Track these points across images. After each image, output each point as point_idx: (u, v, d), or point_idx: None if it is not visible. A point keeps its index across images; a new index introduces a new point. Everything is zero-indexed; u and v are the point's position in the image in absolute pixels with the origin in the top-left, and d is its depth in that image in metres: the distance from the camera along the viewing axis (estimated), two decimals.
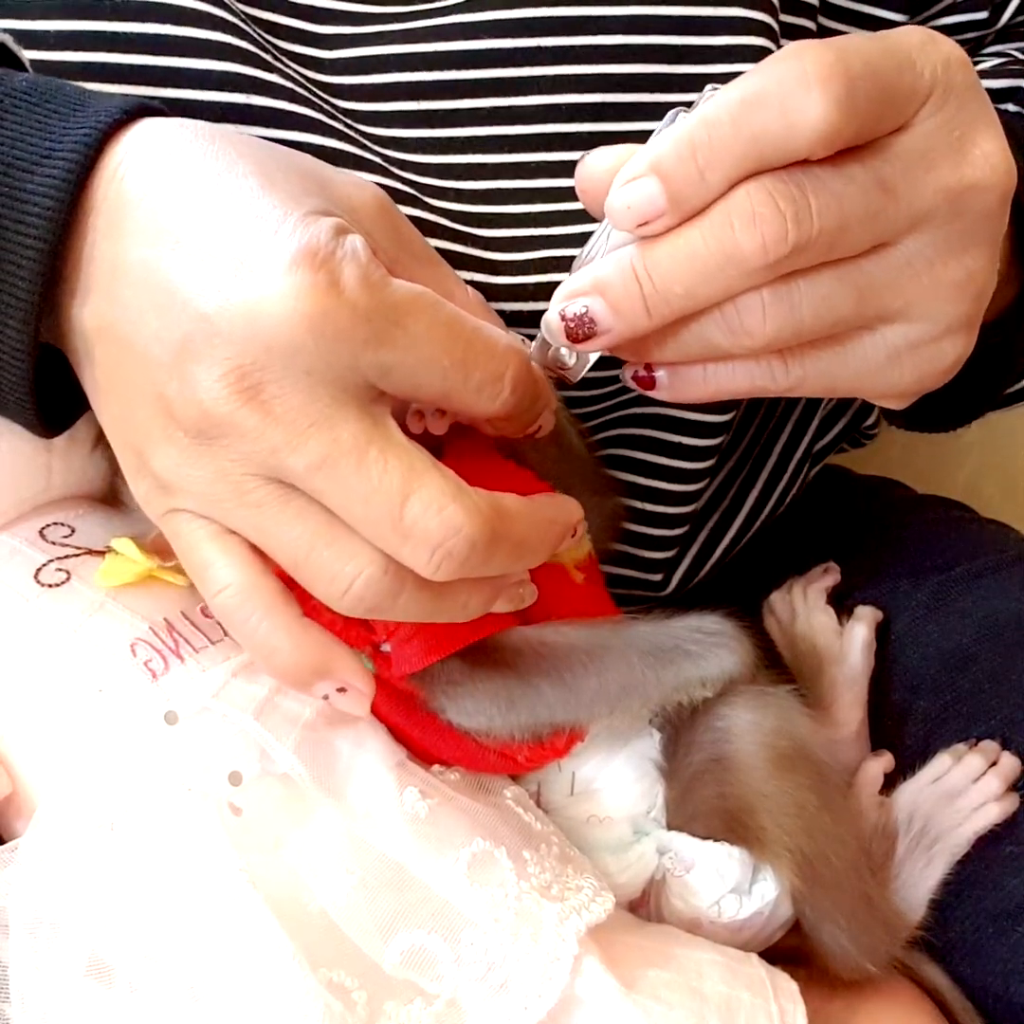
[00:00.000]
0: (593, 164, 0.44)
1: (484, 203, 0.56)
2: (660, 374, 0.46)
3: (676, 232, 0.42)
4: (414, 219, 0.54)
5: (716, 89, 0.42)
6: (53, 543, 0.51)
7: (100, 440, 0.53)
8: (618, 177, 0.42)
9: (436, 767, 0.51)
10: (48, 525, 0.52)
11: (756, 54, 0.58)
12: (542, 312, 0.53)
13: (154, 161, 0.43)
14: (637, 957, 0.49)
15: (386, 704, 0.51)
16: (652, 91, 0.57)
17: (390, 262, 0.42)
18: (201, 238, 0.40)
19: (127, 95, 0.45)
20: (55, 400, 0.47)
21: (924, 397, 0.49)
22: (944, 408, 0.63)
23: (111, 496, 0.54)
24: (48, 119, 0.44)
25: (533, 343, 0.46)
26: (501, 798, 0.52)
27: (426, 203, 0.56)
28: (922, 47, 0.42)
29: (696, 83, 0.56)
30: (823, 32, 0.64)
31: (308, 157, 0.46)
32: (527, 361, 0.43)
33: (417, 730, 0.51)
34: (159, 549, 0.49)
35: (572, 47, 0.56)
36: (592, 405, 0.63)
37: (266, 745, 0.47)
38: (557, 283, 0.53)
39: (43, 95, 0.45)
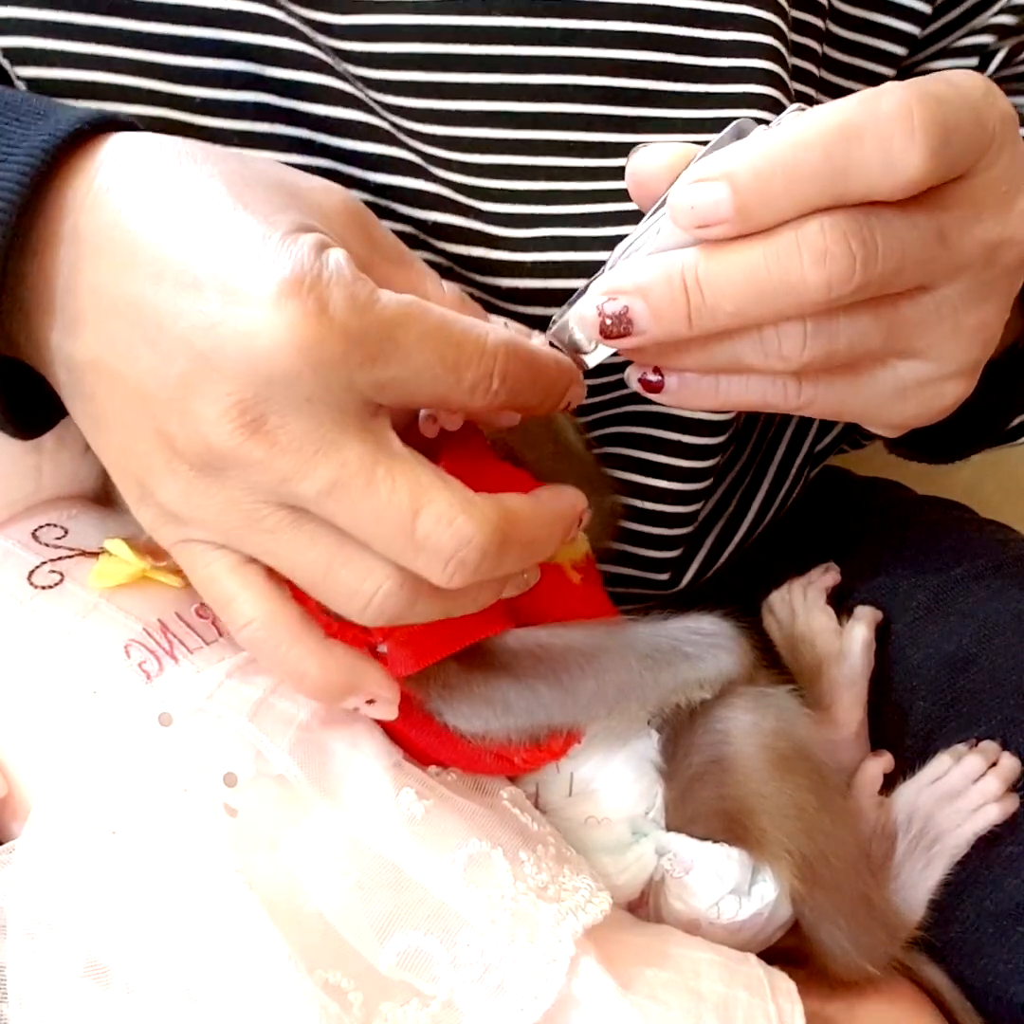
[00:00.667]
0: (648, 159, 0.44)
1: (489, 177, 0.57)
2: (671, 380, 0.46)
3: (735, 248, 0.42)
4: (419, 191, 0.56)
5: (802, 108, 0.42)
6: (46, 545, 0.51)
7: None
8: (687, 174, 0.42)
9: (433, 768, 0.51)
10: (41, 527, 0.52)
11: (762, 51, 0.59)
12: (540, 290, 0.54)
13: (128, 183, 0.42)
14: (634, 957, 0.49)
15: None
16: (658, 79, 0.58)
17: (363, 266, 0.42)
18: (183, 269, 0.40)
19: (93, 108, 0.45)
20: (30, 403, 0.47)
21: (923, 430, 0.50)
22: (941, 442, 0.64)
23: (104, 496, 0.54)
24: (7, 126, 0.43)
25: (554, 321, 0.46)
26: (498, 799, 0.52)
27: (432, 174, 0.56)
28: (986, 99, 0.43)
29: (701, 74, 0.59)
30: (828, 34, 0.65)
31: (277, 166, 0.45)
32: (518, 351, 0.43)
33: (414, 731, 0.51)
34: (152, 550, 0.49)
35: (583, 30, 0.57)
36: (593, 402, 0.63)
37: (261, 746, 0.47)
38: (556, 261, 0.55)
39: (6, 103, 0.45)
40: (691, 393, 0.46)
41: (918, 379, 0.46)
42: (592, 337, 0.44)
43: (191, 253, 0.40)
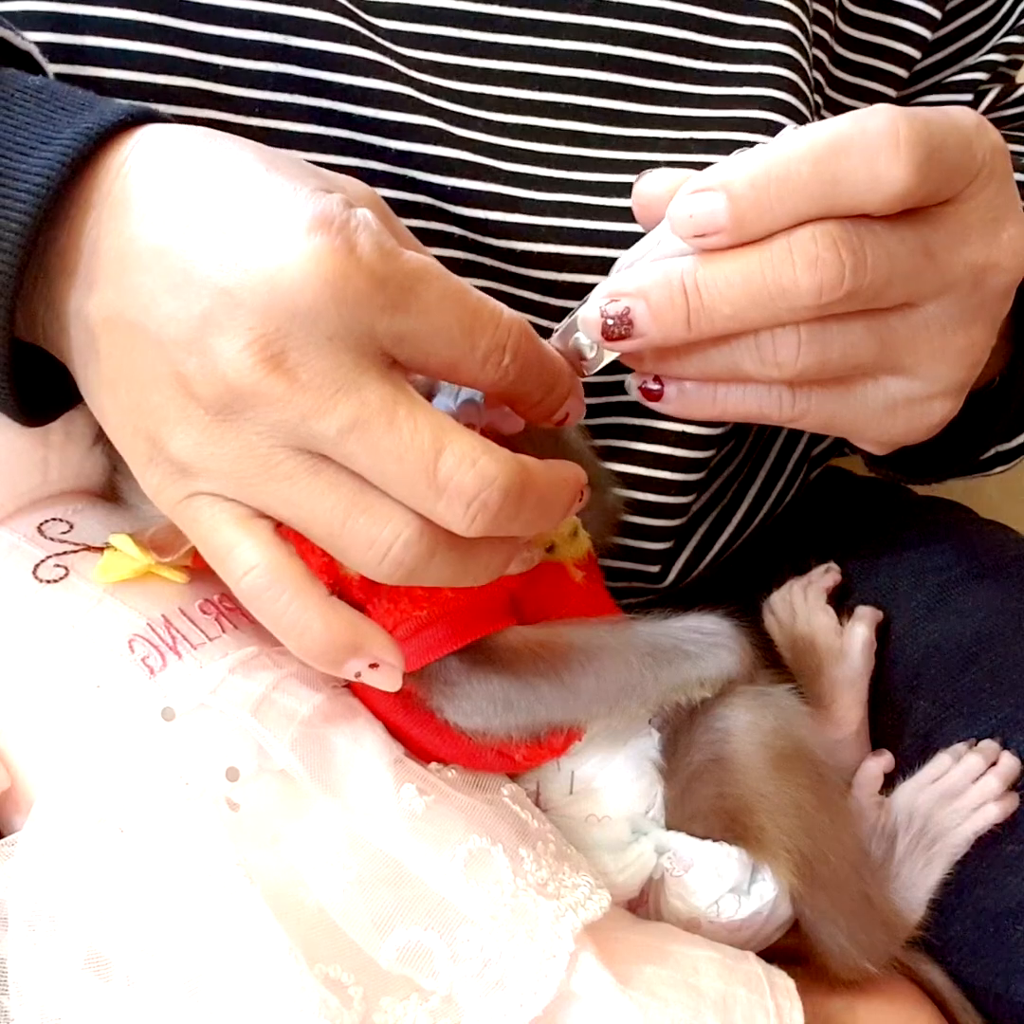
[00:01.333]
0: (651, 184, 0.46)
1: (511, 137, 0.59)
2: (670, 388, 0.47)
3: (733, 254, 0.43)
4: (438, 157, 0.57)
5: (795, 130, 0.43)
6: (51, 539, 0.51)
7: (100, 437, 0.53)
8: (687, 185, 0.43)
9: (433, 764, 0.52)
10: (46, 521, 0.52)
11: (782, 36, 0.62)
12: (554, 255, 0.55)
13: (160, 156, 0.43)
14: (633, 954, 0.49)
15: (384, 701, 0.51)
16: (680, 55, 0.61)
17: None
18: (213, 218, 0.41)
19: (137, 103, 0.46)
20: (41, 393, 0.47)
21: (902, 452, 0.52)
22: (917, 464, 0.65)
23: (110, 491, 0.55)
24: (54, 114, 0.44)
25: (559, 327, 0.46)
26: (498, 796, 0.52)
27: (453, 137, 0.57)
28: (977, 129, 0.45)
29: (720, 54, 0.61)
30: (846, 11, 0.67)
31: (294, 155, 0.47)
32: (529, 332, 0.43)
33: (415, 728, 0.51)
34: (157, 546, 0.49)
35: (614, 1, 0.60)
36: (590, 395, 0.63)
37: (263, 741, 0.48)
38: (571, 228, 0.56)
39: (54, 93, 0.45)
40: (689, 401, 0.47)
41: (907, 396, 0.47)
42: (595, 339, 0.45)
43: (222, 206, 0.41)
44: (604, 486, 0.60)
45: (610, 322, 0.44)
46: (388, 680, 0.44)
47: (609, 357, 0.46)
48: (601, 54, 0.60)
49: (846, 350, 0.44)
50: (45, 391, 0.48)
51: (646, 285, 0.44)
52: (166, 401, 0.41)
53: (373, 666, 0.44)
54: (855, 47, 0.69)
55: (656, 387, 0.47)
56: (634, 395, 0.48)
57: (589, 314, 0.45)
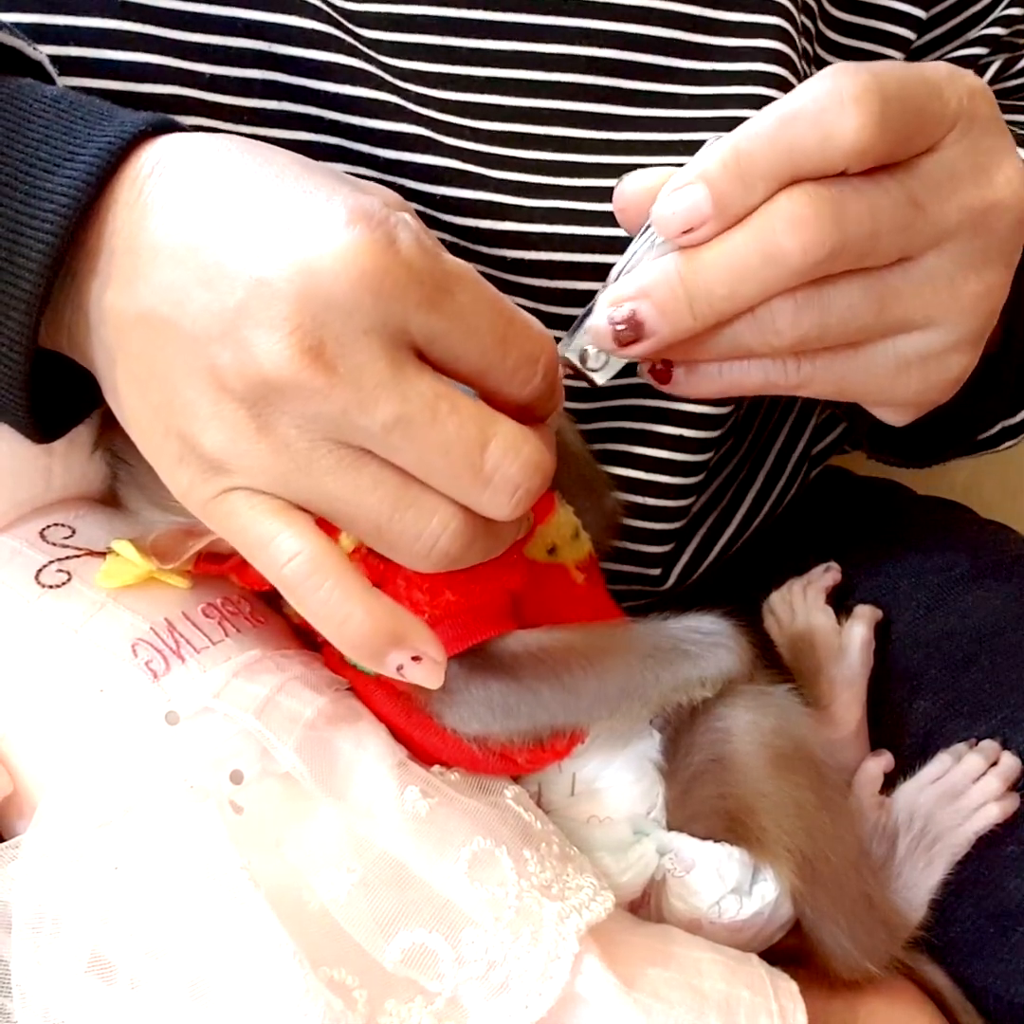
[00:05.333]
0: (631, 184, 0.46)
1: (499, 145, 0.58)
2: (677, 369, 0.47)
3: (720, 237, 0.44)
4: (428, 166, 0.57)
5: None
6: (54, 544, 0.51)
7: (99, 443, 0.53)
8: (666, 187, 0.44)
9: (436, 767, 0.52)
10: (48, 526, 0.52)
11: (773, 32, 0.61)
12: (546, 262, 0.55)
13: (193, 157, 0.43)
14: (637, 956, 0.49)
15: (387, 705, 0.51)
16: (668, 55, 0.60)
17: None
18: (247, 213, 0.41)
19: (155, 113, 0.46)
20: (51, 410, 0.47)
21: (900, 436, 0.52)
22: (917, 447, 0.65)
23: (110, 497, 0.54)
24: (74, 125, 0.44)
25: (565, 341, 0.46)
26: (501, 798, 0.52)
27: (442, 146, 0.57)
28: (949, 78, 0.45)
29: (709, 52, 0.60)
30: (824, 14, 0.66)
31: (337, 170, 0.46)
32: (556, 349, 0.44)
33: (418, 731, 0.51)
34: (158, 552, 0.49)
35: (599, 3, 0.59)
36: (589, 400, 0.63)
37: (267, 744, 0.47)
38: (562, 234, 0.56)
39: (72, 104, 0.45)
40: (698, 380, 0.47)
41: (919, 352, 0.47)
42: (607, 348, 0.45)
43: (256, 200, 0.41)
44: (603, 490, 0.60)
45: (620, 328, 0.44)
46: (430, 675, 0.44)
47: (617, 366, 0.47)
48: (587, 57, 0.59)
49: (844, 312, 0.45)
50: (54, 408, 0.47)
51: (646, 284, 0.44)
52: (199, 396, 0.41)
53: (415, 659, 0.43)
54: (839, 53, 0.68)
55: (664, 368, 0.47)
56: (644, 377, 0.48)
57: (598, 323, 0.45)
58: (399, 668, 0.43)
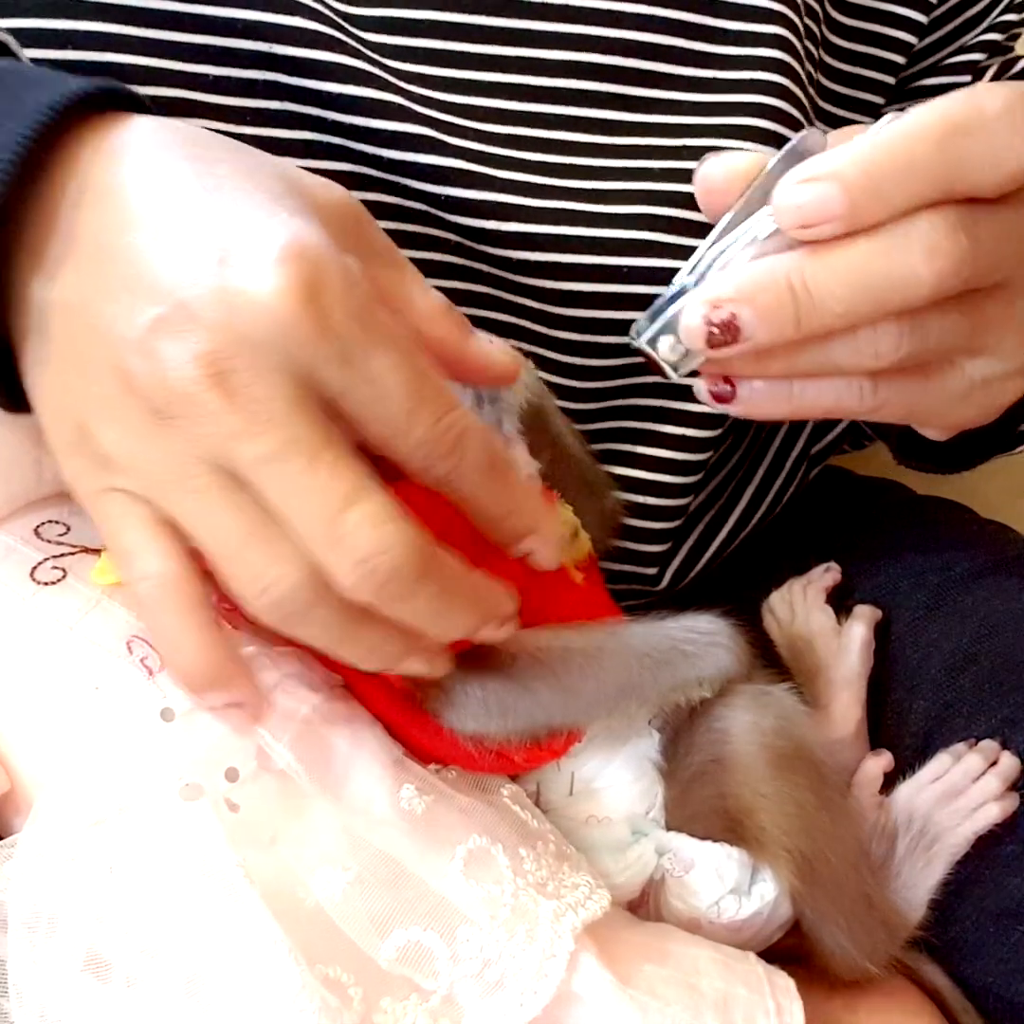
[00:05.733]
0: (716, 168, 0.44)
1: (503, 146, 0.58)
2: (743, 389, 0.45)
3: (841, 247, 0.41)
4: (432, 166, 0.57)
5: (898, 116, 0.42)
6: (48, 541, 0.51)
7: None
8: (791, 175, 0.42)
9: (433, 765, 0.51)
10: (43, 523, 0.52)
11: (774, 41, 0.61)
12: (550, 263, 0.54)
13: (145, 148, 0.43)
14: (633, 953, 0.49)
15: (383, 702, 0.51)
16: (670, 62, 0.60)
17: None
18: (186, 229, 0.41)
19: (105, 79, 0.45)
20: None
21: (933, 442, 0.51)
22: (950, 453, 0.64)
23: None
24: (20, 92, 0.44)
25: (639, 331, 0.45)
26: (498, 796, 0.52)
27: (446, 146, 0.57)
28: None
29: (710, 61, 0.61)
30: (827, 18, 0.66)
31: (274, 158, 0.45)
32: (485, 441, 0.43)
33: (414, 729, 0.51)
34: None
35: (600, 9, 0.59)
36: (589, 401, 0.63)
37: (263, 742, 0.47)
38: (567, 235, 0.55)
39: (22, 74, 0.45)
40: (764, 400, 0.45)
41: (984, 377, 0.46)
42: (696, 347, 0.43)
43: (197, 218, 0.41)
44: (603, 491, 0.60)
45: (716, 331, 0.42)
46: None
47: (697, 361, 0.44)
48: (591, 64, 0.59)
49: (942, 336, 0.43)
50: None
51: (750, 288, 0.42)
52: (106, 392, 0.41)
53: (232, 704, 0.44)
54: (842, 56, 0.68)
55: (727, 389, 0.45)
56: (704, 398, 0.46)
57: (691, 322, 0.43)
58: (212, 709, 0.45)
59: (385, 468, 0.43)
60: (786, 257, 0.42)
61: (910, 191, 0.41)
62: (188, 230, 0.41)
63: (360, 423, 0.41)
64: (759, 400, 0.45)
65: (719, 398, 0.45)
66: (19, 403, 0.48)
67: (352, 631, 0.43)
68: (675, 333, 0.44)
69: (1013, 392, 0.47)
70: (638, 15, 0.59)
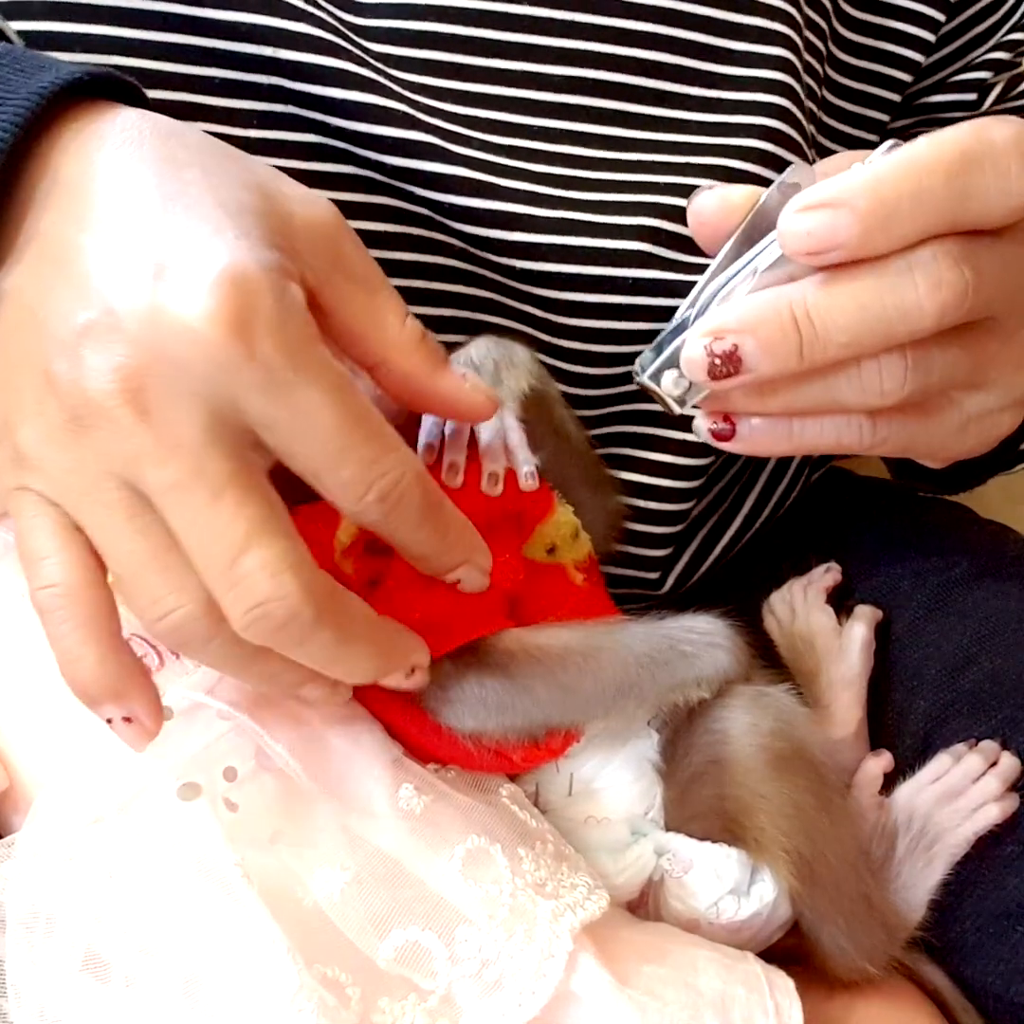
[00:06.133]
0: (709, 201, 0.44)
1: (508, 156, 0.58)
2: (743, 427, 0.45)
3: (848, 278, 0.41)
4: (437, 174, 0.57)
5: (897, 144, 0.42)
6: None
7: None
8: (795, 201, 0.41)
9: (432, 765, 0.51)
10: None
11: (777, 63, 0.61)
12: (555, 273, 0.55)
13: (113, 144, 0.42)
14: (632, 953, 0.49)
15: (382, 701, 0.51)
16: (674, 81, 0.60)
17: (320, 283, 0.41)
18: (131, 238, 0.40)
19: (98, 67, 0.45)
20: None
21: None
22: (958, 472, 0.65)
23: None
24: (12, 76, 0.43)
25: (643, 364, 0.45)
26: (497, 796, 0.52)
27: (451, 154, 0.57)
28: None
29: (717, 81, 0.61)
30: (835, 35, 0.66)
31: (260, 166, 0.44)
32: (416, 484, 0.42)
33: (413, 728, 0.51)
34: None
35: (607, 27, 0.59)
36: (592, 407, 0.63)
37: (261, 741, 0.48)
38: (571, 246, 0.55)
39: (13, 57, 0.45)
40: (764, 438, 0.45)
41: (981, 411, 0.46)
42: (699, 380, 0.43)
43: (145, 228, 0.40)
44: (607, 491, 0.60)
45: (718, 362, 0.42)
46: (135, 739, 0.43)
47: (700, 395, 0.44)
48: (595, 81, 0.59)
49: (945, 371, 0.43)
50: None
51: (752, 319, 0.42)
52: (29, 389, 0.41)
53: (126, 719, 0.43)
54: (849, 73, 0.68)
55: (726, 427, 0.45)
56: (703, 437, 0.46)
57: (693, 353, 0.42)
58: (109, 721, 0.43)
59: None
60: (789, 288, 0.42)
61: (919, 221, 0.40)
62: (133, 238, 0.40)
63: (285, 457, 0.40)
64: (759, 438, 0.45)
65: (718, 436, 0.45)
66: None
67: (248, 663, 0.42)
68: (678, 367, 0.44)
69: (1008, 424, 0.47)
70: (643, 33, 0.59)
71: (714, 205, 0.44)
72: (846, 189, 0.40)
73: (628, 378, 0.62)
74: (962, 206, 0.41)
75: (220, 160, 0.43)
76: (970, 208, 0.41)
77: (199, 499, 0.39)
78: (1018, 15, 0.71)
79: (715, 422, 0.45)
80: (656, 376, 0.44)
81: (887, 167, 0.40)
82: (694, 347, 0.42)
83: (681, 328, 0.44)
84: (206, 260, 0.39)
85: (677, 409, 0.45)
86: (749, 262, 0.43)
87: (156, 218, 0.40)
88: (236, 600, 0.39)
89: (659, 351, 0.44)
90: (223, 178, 0.42)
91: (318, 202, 0.44)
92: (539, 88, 0.58)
